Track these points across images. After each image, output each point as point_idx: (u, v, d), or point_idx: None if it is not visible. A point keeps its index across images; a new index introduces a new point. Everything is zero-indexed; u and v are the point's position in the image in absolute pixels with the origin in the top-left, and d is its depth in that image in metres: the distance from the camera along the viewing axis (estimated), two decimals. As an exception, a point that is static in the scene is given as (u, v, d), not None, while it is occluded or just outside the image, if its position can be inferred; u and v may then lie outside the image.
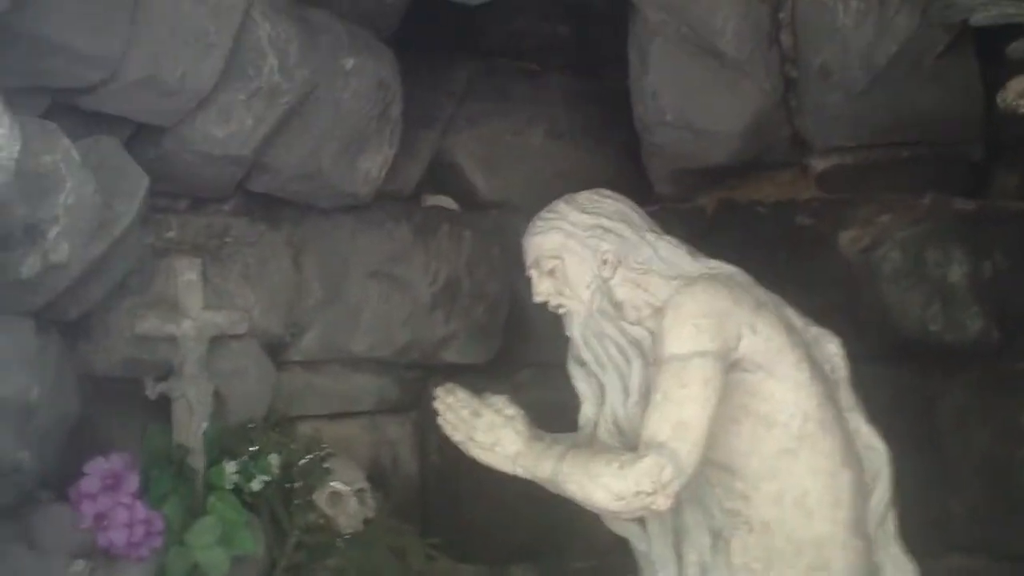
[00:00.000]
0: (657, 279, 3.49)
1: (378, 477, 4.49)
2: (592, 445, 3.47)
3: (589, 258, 3.50)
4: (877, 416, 3.61)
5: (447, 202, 4.78)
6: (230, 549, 3.73)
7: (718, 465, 3.43)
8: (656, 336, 3.39)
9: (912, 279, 4.58)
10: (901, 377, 4.51)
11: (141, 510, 3.57)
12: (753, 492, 3.42)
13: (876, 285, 4.58)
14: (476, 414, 3.48)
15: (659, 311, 3.42)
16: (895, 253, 4.59)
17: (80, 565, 3.45)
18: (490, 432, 3.45)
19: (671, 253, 3.54)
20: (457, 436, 3.50)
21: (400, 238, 4.47)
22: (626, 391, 3.48)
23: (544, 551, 4.87)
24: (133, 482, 3.61)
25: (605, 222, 3.51)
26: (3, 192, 2.77)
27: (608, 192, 3.63)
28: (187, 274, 3.87)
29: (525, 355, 4.82)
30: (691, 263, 3.53)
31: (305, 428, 4.31)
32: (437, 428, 3.59)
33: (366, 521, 4.25)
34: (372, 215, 4.41)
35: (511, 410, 3.49)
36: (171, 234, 3.97)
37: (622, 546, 3.74)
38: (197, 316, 3.86)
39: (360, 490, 4.28)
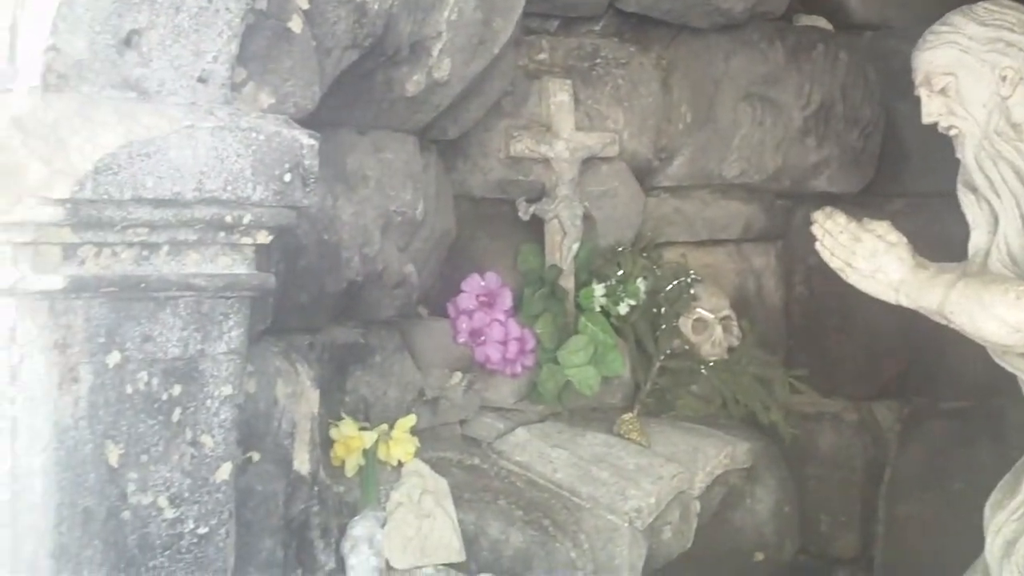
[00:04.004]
0: (1063, 98, 3.22)
1: (742, 306, 4.45)
2: (983, 275, 3.27)
3: (987, 75, 3.25)
4: None
5: (821, 22, 4.57)
6: (601, 369, 3.79)
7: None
8: (1063, 158, 3.15)
9: None
10: None
11: (515, 328, 3.67)
12: None
13: None
14: (856, 239, 3.33)
15: (1065, 133, 3.16)
16: None
17: (458, 377, 3.59)
18: (872, 258, 3.30)
19: (1082, 69, 3.25)
20: (835, 263, 3.37)
21: (774, 59, 4.32)
22: (1023, 218, 3.26)
23: (912, 389, 4.72)
24: (507, 300, 3.72)
25: (1006, 35, 3.24)
26: (392, 7, 2.81)
27: (1009, 2, 3.35)
28: (559, 95, 3.88)
29: (900, 184, 4.61)
30: (1104, 80, 3.24)
31: (671, 254, 4.30)
32: (803, 258, 3.48)
33: (730, 349, 4.24)
34: (745, 35, 4.27)
35: (894, 236, 3.33)
36: (542, 56, 3.97)
37: (1002, 387, 3.55)
38: (570, 137, 3.88)
39: (725, 318, 4.25)
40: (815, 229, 3.41)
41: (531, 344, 3.71)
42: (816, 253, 3.38)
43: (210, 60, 2.29)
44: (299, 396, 2.76)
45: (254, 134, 2.30)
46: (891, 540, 4.49)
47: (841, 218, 3.38)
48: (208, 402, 2.35)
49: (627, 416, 3.80)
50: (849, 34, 4.61)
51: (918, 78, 3.37)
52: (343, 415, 3.14)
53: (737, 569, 4.05)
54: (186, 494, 2.33)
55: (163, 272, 2.26)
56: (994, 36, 3.26)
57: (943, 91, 3.32)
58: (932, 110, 3.36)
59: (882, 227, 3.35)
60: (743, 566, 4.07)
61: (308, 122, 2.56)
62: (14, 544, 2.16)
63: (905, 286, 3.27)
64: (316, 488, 2.88)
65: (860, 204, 4.43)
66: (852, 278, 3.37)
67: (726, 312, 4.25)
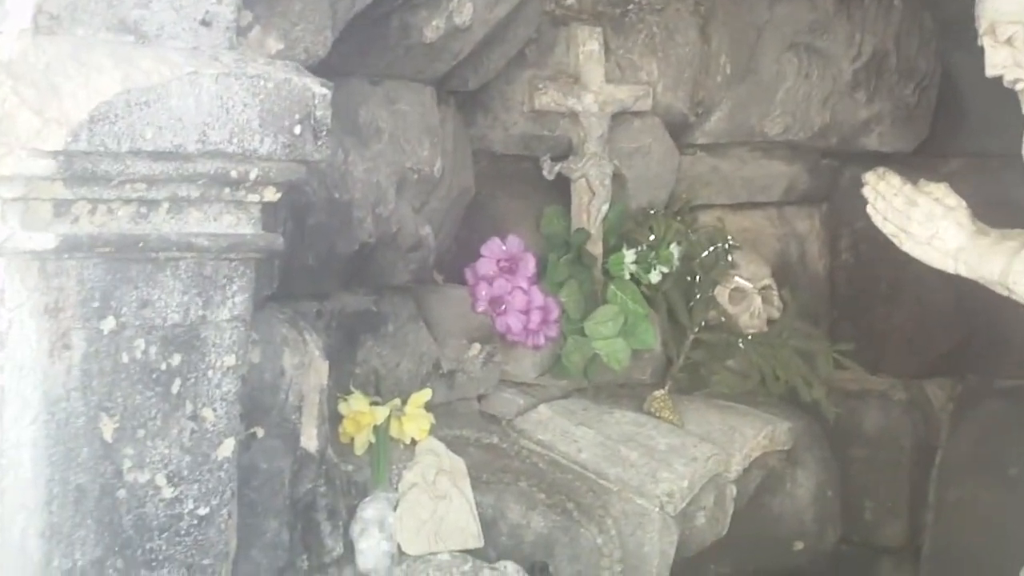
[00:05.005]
0: None
1: (784, 274, 4.44)
2: (1050, 242, 3.25)
3: (1058, 24, 3.23)
4: None
5: (873, -35, 4.55)
6: (631, 342, 3.77)
7: None
8: None
9: None
10: None
11: (538, 296, 3.66)
12: None
13: None
14: (911, 203, 3.31)
15: None
16: None
17: (476, 349, 3.58)
18: (928, 223, 3.28)
19: None
20: (888, 228, 3.35)
21: (822, 6, 4.29)
22: (1096, 182, 3.24)
23: (966, 366, 4.70)
24: (530, 266, 3.69)
25: (1082, -20, 3.22)
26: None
27: (1084, -56, 3.32)
28: (588, 44, 3.85)
29: (957, 143, 4.60)
30: None
31: (707, 217, 4.29)
32: (850, 223, 3.47)
33: (770, 321, 4.23)
34: (792, -22, 4.27)
35: (952, 199, 3.30)
36: (570, 1, 3.94)
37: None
38: (599, 90, 3.85)
39: (765, 287, 4.23)
40: (866, 191, 3.39)
41: (555, 314, 3.69)
42: (864, 217, 3.37)
43: (214, 1, 2.27)
44: (307, 367, 2.75)
45: (262, 82, 2.27)
46: (941, 528, 4.48)
47: (895, 179, 3.35)
48: (210, 373, 2.34)
49: (658, 392, 3.79)
50: (905, -24, 4.59)
51: (982, 27, 3.33)
52: (353, 388, 3.13)
53: (775, 558, 4.06)
54: (185, 472, 2.32)
55: (163, 231, 2.25)
56: (1067, -19, 3.22)
57: (1010, 41, 3.28)
58: (997, 62, 3.31)
59: (940, 190, 3.33)
60: (781, 555, 4.07)
61: (317, 70, 2.54)
62: (1, 523, 2.16)
63: (964, 254, 3.25)
64: (324, 467, 2.87)
65: (913, 164, 4.40)
66: (906, 245, 3.35)
67: (766, 281, 4.23)
